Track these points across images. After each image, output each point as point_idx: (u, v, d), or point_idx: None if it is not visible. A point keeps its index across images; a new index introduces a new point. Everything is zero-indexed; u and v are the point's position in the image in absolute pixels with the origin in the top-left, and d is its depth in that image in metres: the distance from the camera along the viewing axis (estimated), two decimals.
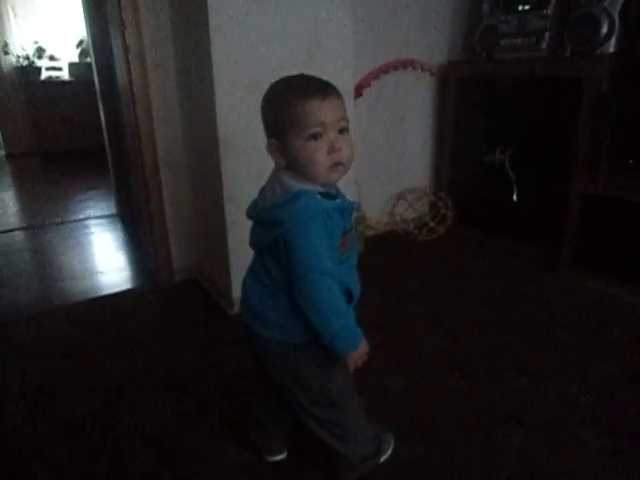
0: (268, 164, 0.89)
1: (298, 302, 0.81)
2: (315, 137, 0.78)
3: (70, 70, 5.19)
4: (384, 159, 2.56)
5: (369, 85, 2.35)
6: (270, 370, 0.96)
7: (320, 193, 0.81)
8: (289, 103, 0.79)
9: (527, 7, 2.15)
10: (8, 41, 4.90)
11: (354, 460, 1.02)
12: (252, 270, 0.93)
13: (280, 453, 1.13)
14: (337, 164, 0.80)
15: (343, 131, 0.81)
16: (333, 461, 1.06)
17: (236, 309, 1.79)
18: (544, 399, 1.33)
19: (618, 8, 1.86)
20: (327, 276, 0.78)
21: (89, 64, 3.27)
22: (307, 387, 0.93)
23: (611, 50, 1.90)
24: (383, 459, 1.10)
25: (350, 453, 1.01)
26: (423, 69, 2.51)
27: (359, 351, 0.84)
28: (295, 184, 0.81)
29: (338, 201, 0.83)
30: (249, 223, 0.93)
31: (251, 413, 1.14)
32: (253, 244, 0.91)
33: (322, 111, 0.78)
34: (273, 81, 0.85)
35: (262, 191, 0.89)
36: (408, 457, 1.14)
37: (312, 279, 0.77)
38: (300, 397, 0.94)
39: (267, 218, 0.83)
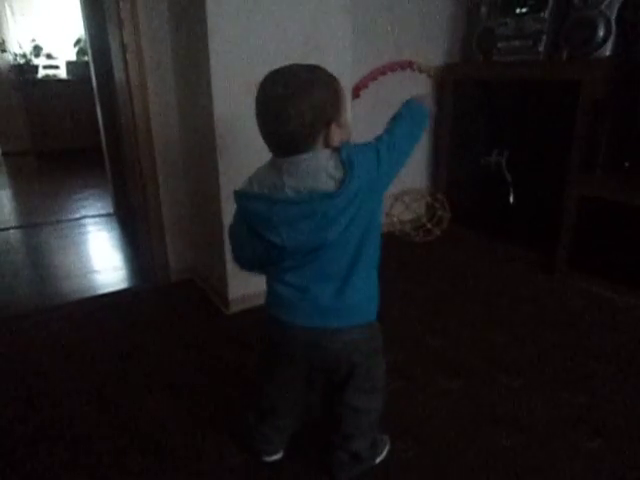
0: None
1: (411, 149, 0.94)
2: None
3: (67, 69, 5.17)
4: None
5: (367, 87, 2.35)
6: (336, 367, 0.97)
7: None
8: (337, 83, 0.85)
9: (524, 10, 2.16)
10: (5, 39, 4.88)
11: (362, 455, 1.04)
12: (308, 276, 0.89)
13: (276, 453, 1.14)
14: None
15: None
16: (330, 461, 1.07)
17: (232, 309, 1.79)
18: (538, 401, 1.33)
19: (615, 12, 1.87)
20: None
21: (87, 63, 3.27)
22: (365, 373, 0.97)
23: (607, 54, 1.91)
24: (378, 460, 1.11)
25: (363, 447, 1.04)
26: (421, 71, 2.52)
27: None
28: (335, 152, 0.84)
29: None
30: None
31: (248, 417, 1.14)
32: (308, 242, 0.84)
33: None
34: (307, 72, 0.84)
35: (276, 190, 0.84)
36: (402, 458, 1.14)
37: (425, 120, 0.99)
38: (349, 387, 0.98)
39: (348, 194, 0.81)
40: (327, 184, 0.81)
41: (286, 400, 1.08)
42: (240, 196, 0.88)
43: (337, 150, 0.83)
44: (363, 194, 0.82)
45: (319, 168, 0.82)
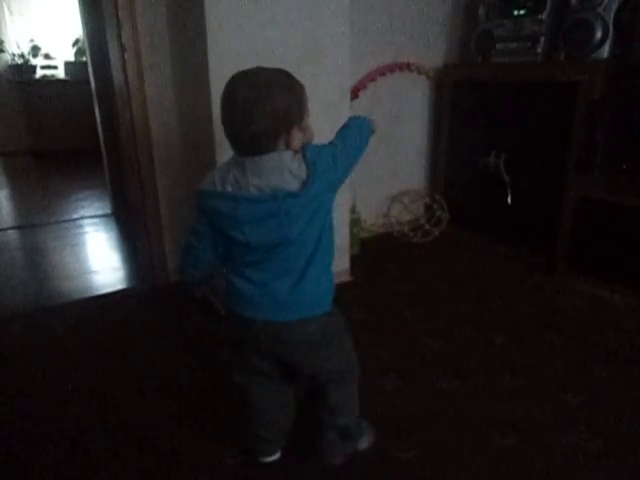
0: None
1: (362, 152, 0.99)
2: None
3: (66, 69, 5.17)
4: (379, 161, 2.57)
5: (365, 87, 2.35)
6: (301, 357, 0.99)
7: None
8: (301, 88, 0.88)
9: (523, 12, 2.16)
10: (3, 39, 4.87)
11: (351, 430, 1.08)
12: (267, 271, 0.92)
13: (273, 454, 1.14)
14: None
15: None
16: (320, 444, 1.08)
17: None
18: (537, 401, 1.33)
19: (612, 14, 1.88)
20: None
21: (85, 63, 3.26)
22: (333, 355, 1.01)
23: (605, 55, 1.92)
24: (364, 445, 1.14)
25: (351, 421, 1.08)
26: (419, 72, 2.52)
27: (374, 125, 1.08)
28: (298, 153, 0.87)
29: None
30: None
31: (245, 415, 1.14)
32: (271, 239, 0.88)
33: None
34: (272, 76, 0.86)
35: (240, 188, 0.86)
36: (402, 458, 1.14)
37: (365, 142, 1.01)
38: (324, 370, 1.01)
39: (311, 194, 0.85)
40: (291, 183, 0.84)
41: (266, 394, 1.08)
42: (204, 195, 0.90)
43: (299, 151, 0.87)
44: (322, 194, 0.87)
45: (283, 168, 0.85)
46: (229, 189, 0.87)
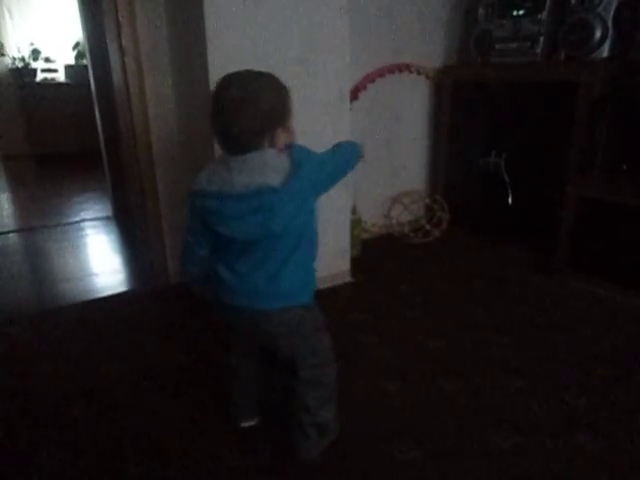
0: None
1: (348, 170, 1.06)
2: None
3: (66, 72, 5.18)
4: (380, 162, 2.57)
5: (365, 88, 2.36)
6: (279, 345, 1.07)
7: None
8: (286, 91, 0.93)
9: (522, 12, 2.17)
10: (4, 42, 4.88)
11: (329, 426, 1.14)
12: (250, 263, 0.97)
13: (249, 420, 1.23)
14: None
15: None
16: (298, 439, 1.13)
17: None
18: (539, 402, 1.33)
19: (611, 14, 1.88)
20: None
21: (85, 66, 3.27)
22: (310, 349, 1.08)
23: (604, 55, 1.92)
24: (333, 438, 1.17)
25: (329, 417, 1.13)
26: (419, 73, 2.52)
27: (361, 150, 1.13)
28: (282, 149, 0.92)
29: None
30: None
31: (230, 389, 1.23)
32: (256, 233, 0.92)
33: None
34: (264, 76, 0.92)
35: (226, 186, 0.90)
36: (403, 459, 1.14)
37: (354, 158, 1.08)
38: (301, 364, 1.07)
39: (293, 190, 0.89)
40: (274, 179, 0.88)
41: (248, 374, 1.20)
42: (193, 194, 0.96)
43: (285, 149, 0.92)
44: (305, 193, 0.92)
45: (266, 165, 0.89)
46: (215, 188, 0.91)
